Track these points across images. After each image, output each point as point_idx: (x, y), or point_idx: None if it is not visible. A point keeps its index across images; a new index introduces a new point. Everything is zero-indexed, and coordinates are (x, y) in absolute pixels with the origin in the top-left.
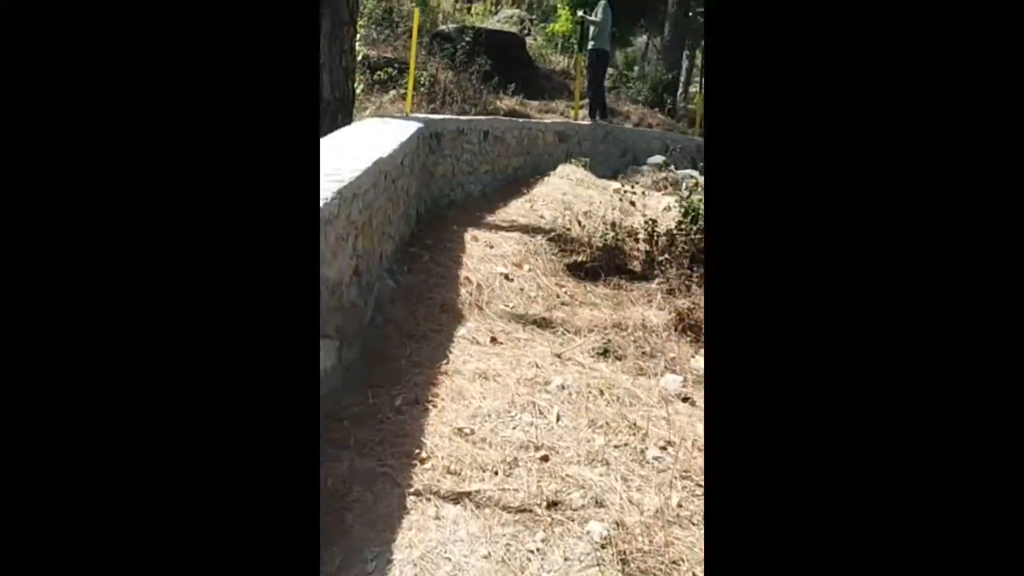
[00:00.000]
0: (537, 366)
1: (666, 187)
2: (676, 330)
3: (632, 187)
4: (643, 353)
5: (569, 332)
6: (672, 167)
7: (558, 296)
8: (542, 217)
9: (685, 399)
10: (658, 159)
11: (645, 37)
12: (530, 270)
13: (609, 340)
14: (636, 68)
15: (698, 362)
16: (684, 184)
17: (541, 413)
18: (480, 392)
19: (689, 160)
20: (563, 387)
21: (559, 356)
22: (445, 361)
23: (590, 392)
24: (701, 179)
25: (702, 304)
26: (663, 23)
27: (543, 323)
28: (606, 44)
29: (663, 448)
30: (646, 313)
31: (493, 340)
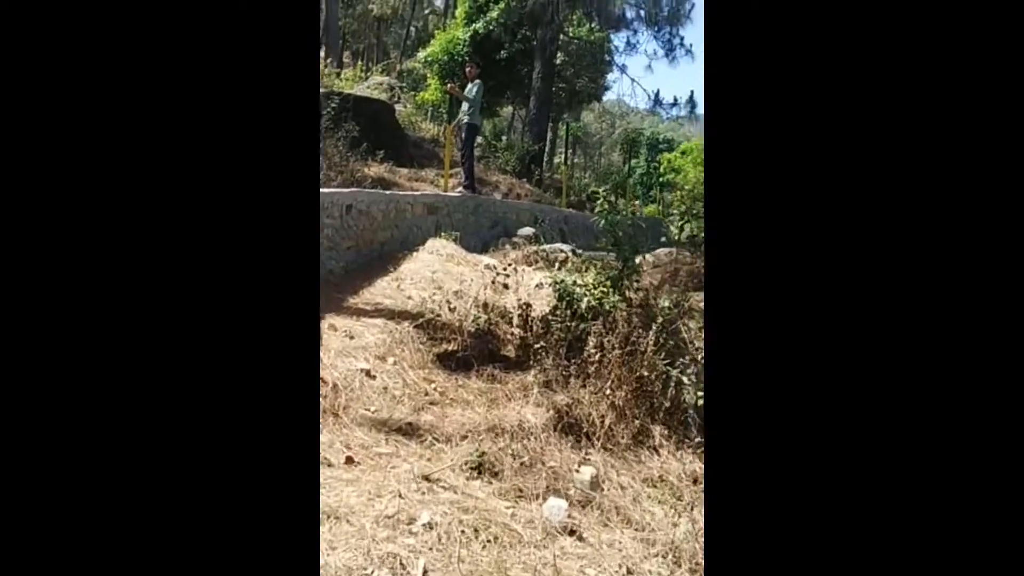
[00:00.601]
0: (401, 496)
1: (537, 261)
2: (556, 430)
3: (504, 264)
4: (522, 465)
5: (439, 441)
6: (542, 239)
7: (427, 394)
8: (410, 298)
9: (572, 532)
10: (528, 231)
11: (511, 108)
12: (395, 363)
13: (483, 452)
14: (504, 138)
15: (583, 474)
16: (555, 260)
17: (404, 567)
18: (328, 540)
19: (558, 231)
20: (431, 526)
21: (427, 478)
22: None
23: (463, 532)
24: (571, 253)
25: (581, 399)
26: (528, 95)
27: (409, 430)
28: (477, 119)
29: None
30: (523, 411)
31: (349, 460)
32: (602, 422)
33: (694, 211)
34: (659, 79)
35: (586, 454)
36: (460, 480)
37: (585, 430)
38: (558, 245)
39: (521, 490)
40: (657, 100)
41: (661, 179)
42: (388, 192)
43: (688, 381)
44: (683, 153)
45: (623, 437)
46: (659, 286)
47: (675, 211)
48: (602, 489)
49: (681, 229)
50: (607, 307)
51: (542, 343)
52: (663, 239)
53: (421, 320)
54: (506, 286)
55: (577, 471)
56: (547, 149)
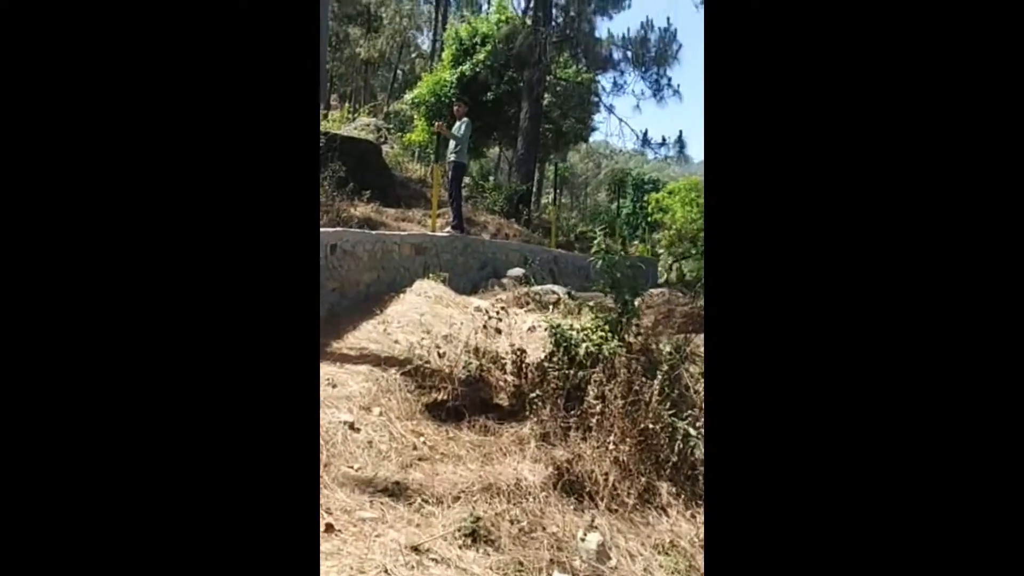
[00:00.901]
0: (387, 572)
1: (528, 303)
2: (556, 489)
3: (495, 306)
4: (520, 531)
5: (429, 503)
6: (532, 280)
7: (415, 448)
8: (397, 342)
9: None
10: (518, 272)
11: (498, 149)
12: (381, 414)
13: (478, 518)
14: (491, 179)
15: (589, 543)
16: (547, 303)
17: None
18: None
19: (548, 272)
20: None
21: (416, 549)
22: None
23: None
24: (563, 295)
25: (582, 454)
26: (515, 136)
27: (396, 491)
28: (464, 158)
29: None
30: (520, 468)
31: (329, 528)
32: (606, 480)
33: (681, 251)
34: (647, 119)
35: (591, 518)
36: (453, 551)
37: (588, 489)
38: (549, 286)
39: (522, 563)
40: (645, 140)
41: (649, 219)
42: (375, 232)
43: (696, 433)
44: (670, 193)
45: (629, 496)
46: (654, 328)
47: (663, 250)
48: (609, 558)
49: (670, 269)
50: (606, 353)
51: (538, 392)
52: (659, 280)
53: (409, 367)
54: (499, 331)
55: (583, 540)
56: (535, 189)
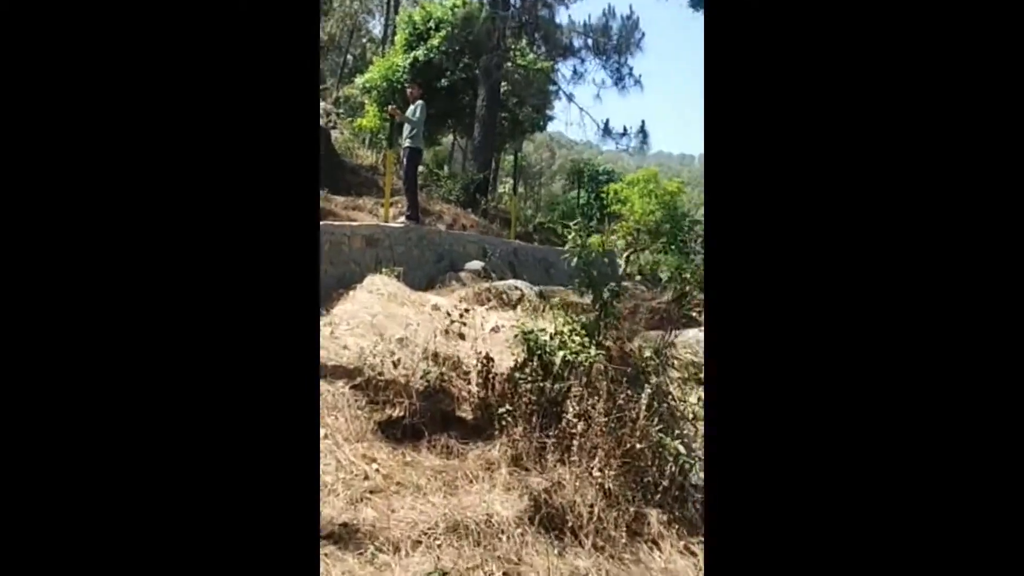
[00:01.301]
0: None
1: (489, 299)
2: (533, 525)
3: (456, 305)
4: None
5: (383, 551)
6: (492, 274)
7: (367, 478)
8: (346, 348)
9: None
10: (476, 265)
11: (452, 137)
12: (327, 437)
13: (445, 573)
14: (446, 167)
15: None
16: (510, 299)
17: None
18: None
19: (507, 265)
20: None
21: None
22: None
23: None
24: (527, 290)
25: (562, 482)
26: (471, 124)
27: (343, 535)
28: (420, 143)
29: None
30: (490, 499)
31: None
32: (591, 512)
33: (640, 243)
34: (607, 109)
35: (575, 558)
36: None
37: (570, 523)
38: (512, 281)
39: None
40: (607, 129)
41: (606, 210)
42: (323, 223)
43: (686, 454)
44: (629, 184)
45: (616, 528)
46: (623, 325)
47: (621, 241)
48: None
49: (628, 261)
50: (585, 361)
51: (508, 407)
52: (619, 272)
53: (360, 378)
54: (462, 336)
55: None
56: (491, 178)
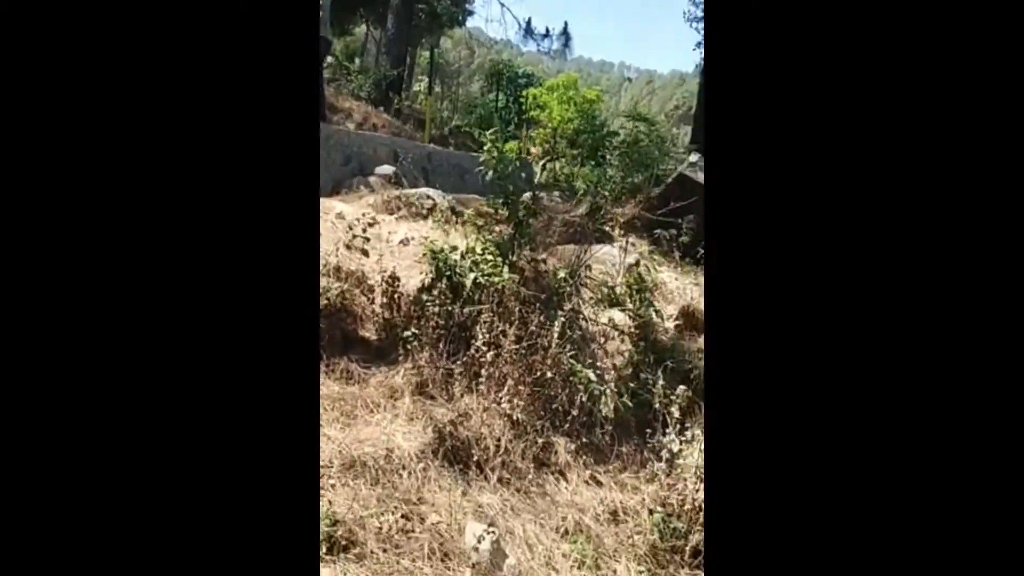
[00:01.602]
0: None
1: (399, 208)
2: (436, 459)
3: (362, 216)
4: (395, 528)
5: None
6: (404, 180)
7: None
8: None
9: None
10: (387, 170)
11: (365, 27)
12: None
13: (337, 521)
14: (358, 60)
15: (484, 544)
16: (423, 210)
17: None
18: None
19: (421, 171)
20: None
21: None
22: None
23: None
24: (440, 200)
25: (468, 412)
26: (384, 14)
27: None
28: (328, 32)
29: None
30: (391, 429)
31: None
32: (497, 445)
33: (557, 151)
34: (529, 7)
35: (479, 493)
36: None
37: (476, 457)
38: (424, 190)
39: None
40: (529, 30)
41: (524, 115)
42: None
43: (601, 385)
44: (549, 89)
45: (523, 459)
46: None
47: (537, 148)
48: (506, 556)
49: (543, 169)
50: (497, 284)
51: (414, 330)
52: (535, 182)
53: None
54: (366, 252)
55: (477, 545)
56: (405, 75)
